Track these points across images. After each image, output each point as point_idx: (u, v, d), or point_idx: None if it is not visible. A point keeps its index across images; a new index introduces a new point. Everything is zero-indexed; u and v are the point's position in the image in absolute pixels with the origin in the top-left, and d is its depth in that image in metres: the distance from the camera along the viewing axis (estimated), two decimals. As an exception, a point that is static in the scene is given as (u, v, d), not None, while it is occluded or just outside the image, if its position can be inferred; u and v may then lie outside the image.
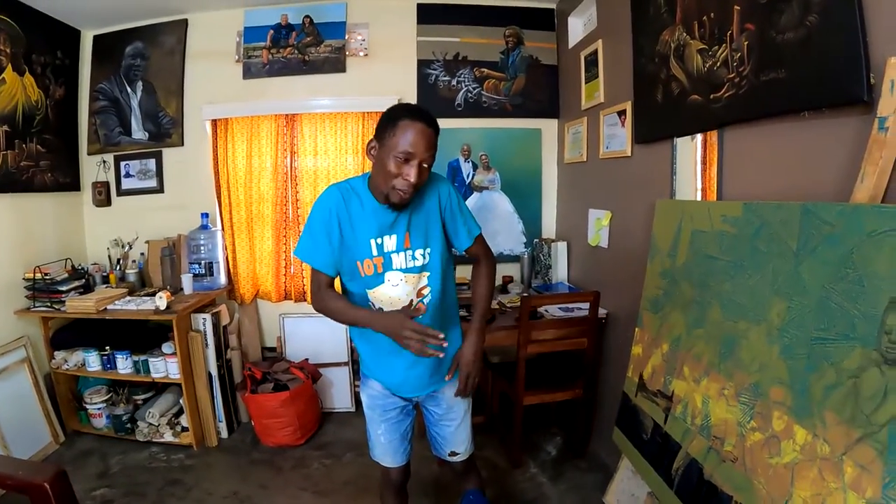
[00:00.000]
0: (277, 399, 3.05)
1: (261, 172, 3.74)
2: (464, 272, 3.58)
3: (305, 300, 3.83)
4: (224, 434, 3.32)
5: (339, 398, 3.69)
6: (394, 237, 1.55)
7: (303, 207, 3.77)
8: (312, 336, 3.68)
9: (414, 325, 1.42)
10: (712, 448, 1.86)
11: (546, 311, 2.97)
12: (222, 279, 3.69)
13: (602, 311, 2.94)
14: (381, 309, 1.57)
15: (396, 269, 1.56)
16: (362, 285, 1.57)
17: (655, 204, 2.43)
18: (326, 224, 1.52)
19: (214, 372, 3.29)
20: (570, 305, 2.98)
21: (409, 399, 1.80)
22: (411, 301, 1.59)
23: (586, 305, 2.82)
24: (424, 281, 1.60)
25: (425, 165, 1.43)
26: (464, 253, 1.78)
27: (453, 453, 1.88)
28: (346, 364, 3.65)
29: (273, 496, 2.69)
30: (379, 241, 1.52)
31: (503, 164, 3.87)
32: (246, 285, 3.80)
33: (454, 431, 1.84)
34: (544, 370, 3.18)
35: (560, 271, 3.68)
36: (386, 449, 1.80)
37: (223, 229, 3.80)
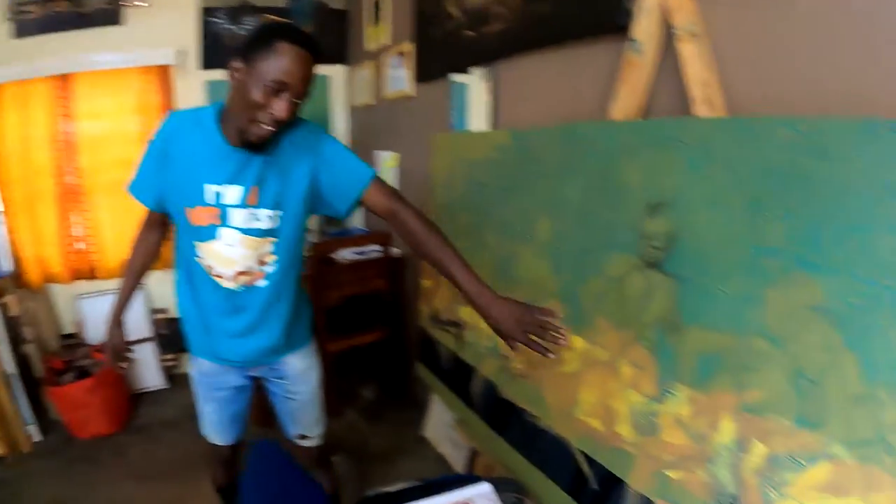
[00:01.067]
0: (82, 387, 2.64)
1: (36, 142, 3.07)
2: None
3: (98, 276, 3.22)
4: (37, 437, 2.73)
5: (148, 376, 3.22)
6: (237, 189, 1.15)
7: (86, 177, 3.17)
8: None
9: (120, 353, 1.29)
10: (503, 367, 1.77)
11: (342, 256, 2.75)
12: (5, 265, 2.95)
13: (398, 251, 2.82)
14: (209, 267, 1.22)
15: (234, 228, 1.17)
16: (192, 235, 1.20)
17: (432, 138, 2.25)
18: (155, 153, 1.18)
19: (11, 370, 2.65)
20: (365, 248, 2.78)
21: (248, 374, 1.44)
22: (249, 268, 1.22)
23: (379, 247, 2.68)
24: (269, 247, 1.24)
25: (298, 101, 1.09)
26: (371, 211, 1.24)
27: (302, 436, 1.56)
28: (150, 339, 3.21)
29: (96, 492, 2.30)
30: (217, 189, 1.14)
31: None
32: (33, 269, 3.14)
33: (301, 408, 1.51)
34: (349, 316, 2.95)
35: (355, 217, 3.44)
36: (214, 427, 1.50)
37: (4, 211, 3.01)
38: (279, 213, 1.19)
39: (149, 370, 3.21)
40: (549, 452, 1.56)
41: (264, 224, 1.19)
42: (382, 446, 2.56)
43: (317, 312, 2.46)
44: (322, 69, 3.36)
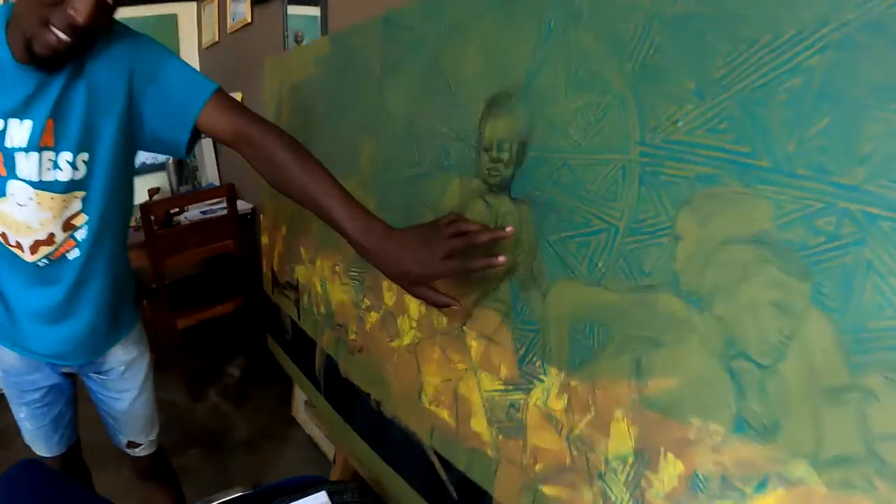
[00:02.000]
0: None
1: None
2: None
3: None
4: None
5: None
6: (26, 124, 0.77)
7: None
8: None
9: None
10: (339, 339, 1.26)
11: (185, 217, 2.30)
12: None
13: (247, 206, 2.39)
14: (3, 235, 0.84)
15: (24, 181, 0.79)
16: None
17: (265, 65, 1.64)
18: None
19: None
20: (213, 206, 2.35)
21: (62, 371, 1.05)
22: (51, 235, 0.84)
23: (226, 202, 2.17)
24: (76, 206, 0.85)
25: (109, 1, 0.70)
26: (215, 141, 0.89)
27: (132, 444, 1.18)
28: None
29: None
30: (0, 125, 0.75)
31: None
32: None
33: (129, 410, 1.13)
34: (199, 285, 2.43)
35: (209, 171, 2.85)
36: (34, 435, 1.12)
37: None
38: (85, 155, 0.83)
39: None
40: (400, 448, 1.11)
41: (66, 174, 0.82)
42: (248, 432, 2.13)
43: (157, 285, 2.00)
44: (167, 7, 2.63)
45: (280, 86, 1.49)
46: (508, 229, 0.63)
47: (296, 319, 1.56)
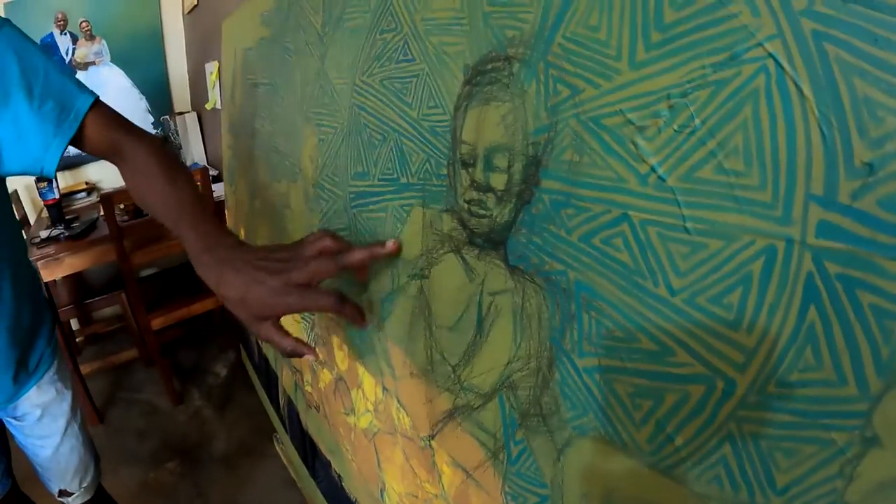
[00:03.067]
0: None
1: None
2: None
3: None
4: None
5: None
6: None
7: None
8: None
9: None
10: (297, 385, 0.95)
11: None
12: None
13: (222, 192, 1.93)
14: None
15: None
16: None
17: (223, 28, 1.26)
18: None
19: None
20: None
21: None
22: None
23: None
24: None
25: None
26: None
27: (63, 492, 0.98)
28: None
29: None
30: None
31: (111, 30, 2.49)
32: None
33: (53, 456, 0.93)
34: (176, 279, 2.16)
35: (194, 149, 2.50)
36: None
37: None
38: None
39: None
40: (364, 537, 0.79)
41: None
42: (227, 444, 1.87)
43: (126, 283, 1.78)
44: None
45: (234, 55, 1.15)
46: (389, 244, 0.44)
47: (259, 342, 1.26)
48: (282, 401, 1.13)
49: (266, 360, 1.19)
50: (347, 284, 0.58)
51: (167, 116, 2.62)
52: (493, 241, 0.34)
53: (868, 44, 0.18)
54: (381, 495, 0.69)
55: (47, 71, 0.59)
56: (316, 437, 0.92)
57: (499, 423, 0.39)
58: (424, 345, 0.45)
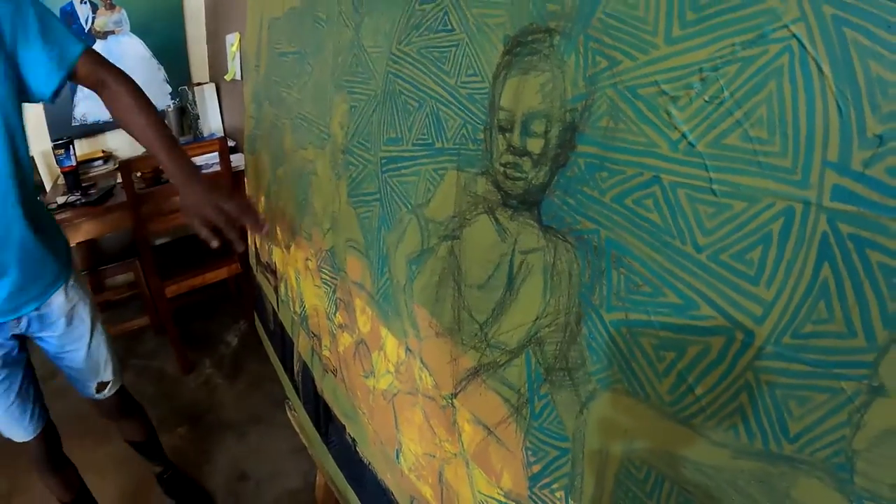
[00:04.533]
0: None
1: None
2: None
3: None
4: None
5: None
6: None
7: None
8: None
9: None
10: (314, 350, 1.00)
11: None
12: None
13: (241, 162, 2.05)
14: None
15: None
16: None
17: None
18: None
19: None
20: (209, 161, 2.09)
21: (12, 335, 1.01)
22: None
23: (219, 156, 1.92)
24: None
25: None
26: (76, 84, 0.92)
27: (102, 384, 1.18)
28: None
29: None
30: None
31: None
32: None
33: (88, 355, 1.13)
34: (192, 247, 2.20)
35: (212, 121, 2.55)
36: (6, 421, 1.07)
37: None
38: None
39: None
40: (376, 497, 0.85)
41: None
42: (237, 413, 1.95)
43: (141, 249, 1.83)
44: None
45: (260, 24, 1.17)
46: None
47: (276, 308, 1.31)
48: (296, 367, 1.19)
49: (282, 327, 1.24)
50: (378, 255, 0.61)
51: (185, 87, 2.65)
52: (528, 203, 0.37)
53: (882, 29, 0.21)
54: (397, 457, 0.74)
55: (55, 26, 0.87)
56: (331, 402, 0.97)
57: (524, 378, 0.42)
58: (452, 304, 0.48)
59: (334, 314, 0.84)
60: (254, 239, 1.43)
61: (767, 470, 0.28)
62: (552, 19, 0.34)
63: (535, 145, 0.36)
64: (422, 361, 0.58)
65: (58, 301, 1.04)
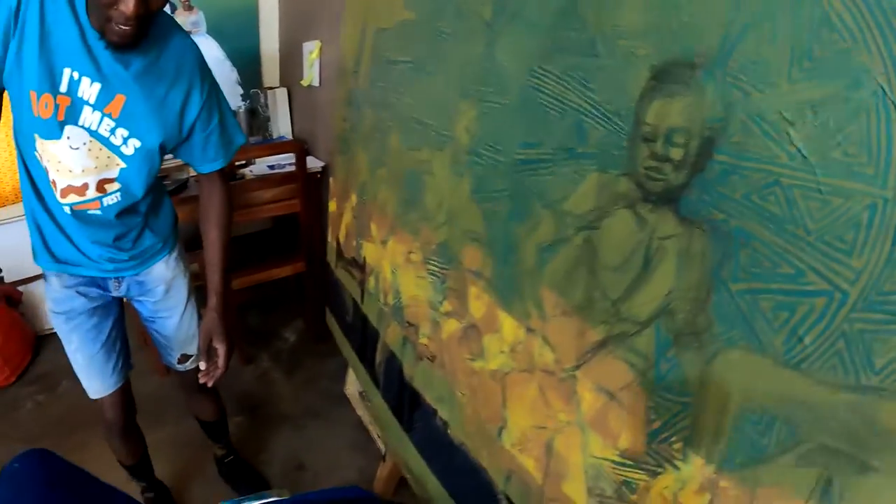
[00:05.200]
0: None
1: None
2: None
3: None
4: (-76, 396, 2.37)
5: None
6: (96, 86, 1.00)
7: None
8: (4, 246, 2.72)
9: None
10: (408, 339, 1.19)
11: (250, 171, 2.36)
12: None
13: (318, 165, 2.42)
14: (46, 170, 1.07)
15: (83, 127, 1.02)
16: (32, 126, 1.03)
17: (345, 6, 1.58)
18: (2, 14, 0.94)
19: None
20: (282, 161, 2.41)
21: (105, 287, 1.27)
22: (85, 185, 1.06)
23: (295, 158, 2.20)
24: (114, 172, 1.08)
25: None
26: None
27: (185, 356, 1.42)
28: None
29: None
30: (76, 76, 0.98)
31: (208, 2, 2.89)
32: None
33: (178, 325, 1.38)
34: (260, 243, 2.54)
35: (281, 123, 2.92)
36: (87, 371, 1.31)
37: None
38: (137, 142, 1.06)
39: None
40: (465, 480, 1.04)
41: (117, 141, 1.05)
42: (295, 406, 2.20)
43: None
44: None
45: (362, 33, 1.39)
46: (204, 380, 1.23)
47: (358, 301, 1.52)
48: (379, 358, 1.38)
49: (365, 319, 1.44)
50: (504, 245, 0.80)
51: (257, 90, 2.98)
52: (667, 199, 0.55)
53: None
54: (499, 434, 0.91)
55: (231, 117, 1.15)
56: (422, 388, 1.15)
57: (652, 345, 0.59)
58: (584, 286, 0.66)
59: (440, 303, 1.03)
60: (336, 236, 1.65)
61: (859, 399, 0.44)
62: (696, 56, 0.52)
63: (676, 153, 0.54)
64: (544, 339, 0.75)
65: (159, 269, 1.27)
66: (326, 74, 2.33)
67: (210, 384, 1.25)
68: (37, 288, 2.83)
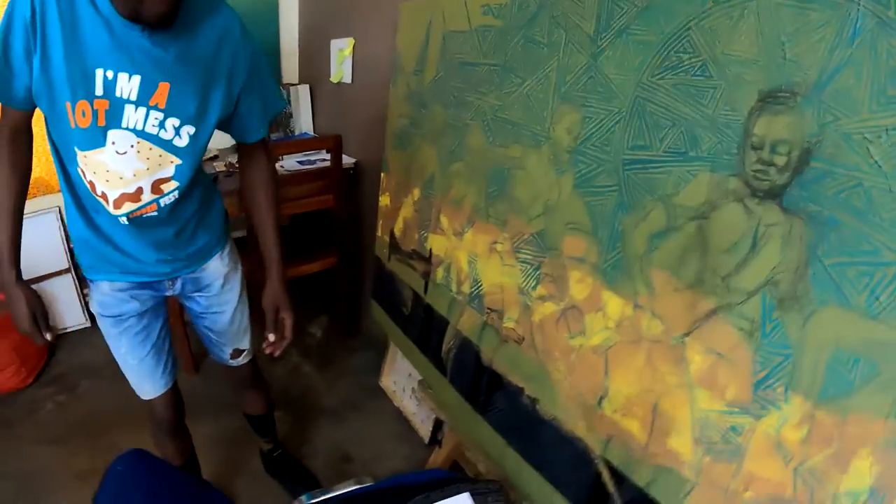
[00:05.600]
0: (-19, 333, 2.36)
1: None
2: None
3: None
4: (-61, 399, 2.52)
5: (69, 314, 3.20)
6: (135, 79, 1.05)
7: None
8: (16, 244, 2.73)
9: (31, 329, 1.22)
10: (488, 324, 1.46)
11: (281, 166, 2.62)
12: None
13: (349, 161, 2.73)
14: (91, 184, 1.14)
15: (128, 130, 1.08)
16: (71, 139, 1.09)
17: (399, 9, 1.87)
18: (19, 28, 1.00)
19: None
20: (310, 157, 2.73)
21: (158, 288, 1.38)
22: (139, 190, 1.14)
23: (329, 155, 2.47)
24: (169, 171, 1.16)
25: None
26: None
27: (237, 351, 1.59)
28: (67, 271, 3.12)
29: (4, 464, 2.24)
30: (110, 75, 1.03)
31: None
32: None
33: (231, 320, 1.52)
34: (291, 238, 2.73)
35: (303, 119, 3.27)
36: (139, 373, 1.43)
37: None
38: (191, 129, 1.13)
39: (68, 307, 3.16)
40: (555, 452, 1.30)
41: (168, 135, 1.11)
42: (332, 399, 2.46)
43: (247, 235, 2.28)
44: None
45: (425, 35, 1.66)
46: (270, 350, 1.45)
47: (420, 293, 1.78)
48: (447, 345, 1.65)
49: (429, 308, 1.71)
50: (611, 233, 1.08)
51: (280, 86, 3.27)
52: (772, 195, 0.83)
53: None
54: (599, 402, 1.19)
55: (270, 78, 1.26)
56: (506, 370, 1.43)
57: (758, 310, 0.87)
58: (695, 266, 0.94)
59: (532, 287, 1.30)
60: (389, 230, 1.91)
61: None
62: (796, 87, 0.80)
63: (780, 160, 0.82)
64: (652, 313, 1.03)
65: (215, 265, 1.40)
66: (361, 71, 2.59)
67: (277, 353, 1.42)
68: (50, 286, 3.06)
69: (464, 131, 1.48)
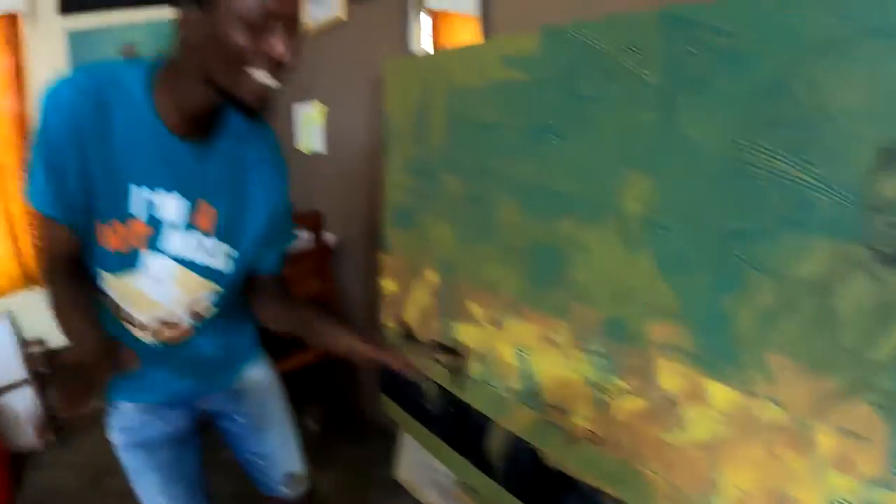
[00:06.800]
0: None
1: None
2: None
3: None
4: None
5: (29, 431, 2.94)
6: (177, 201, 1.00)
7: None
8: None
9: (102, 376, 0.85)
10: (550, 423, 1.36)
11: None
12: None
13: (331, 237, 2.68)
14: (115, 306, 1.07)
15: (168, 256, 1.02)
16: (100, 263, 1.02)
17: (382, 67, 1.82)
18: (62, 142, 0.92)
19: None
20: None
21: (194, 413, 1.29)
22: (174, 319, 1.10)
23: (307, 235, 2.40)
24: (209, 298, 1.12)
25: (297, 34, 0.89)
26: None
27: (291, 477, 1.41)
28: (25, 381, 2.95)
29: None
30: (150, 195, 0.97)
31: None
32: None
33: (280, 439, 1.39)
34: (273, 335, 2.56)
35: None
36: None
37: None
38: (235, 253, 1.10)
39: (28, 424, 2.95)
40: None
41: (215, 262, 1.08)
42: (341, 496, 2.31)
43: None
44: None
45: (422, 92, 1.59)
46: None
47: (448, 388, 1.67)
48: (495, 445, 1.54)
49: (467, 407, 1.60)
50: (708, 315, 1.02)
51: None
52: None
53: None
54: (707, 500, 1.11)
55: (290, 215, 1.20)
56: (578, 471, 1.32)
57: (889, 381, 0.81)
58: (820, 344, 0.88)
59: (608, 380, 1.22)
60: (398, 318, 1.81)
61: None
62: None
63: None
64: (772, 399, 0.97)
65: (254, 374, 1.34)
66: (335, 140, 2.53)
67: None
68: (7, 401, 2.89)
69: (490, 203, 1.41)
